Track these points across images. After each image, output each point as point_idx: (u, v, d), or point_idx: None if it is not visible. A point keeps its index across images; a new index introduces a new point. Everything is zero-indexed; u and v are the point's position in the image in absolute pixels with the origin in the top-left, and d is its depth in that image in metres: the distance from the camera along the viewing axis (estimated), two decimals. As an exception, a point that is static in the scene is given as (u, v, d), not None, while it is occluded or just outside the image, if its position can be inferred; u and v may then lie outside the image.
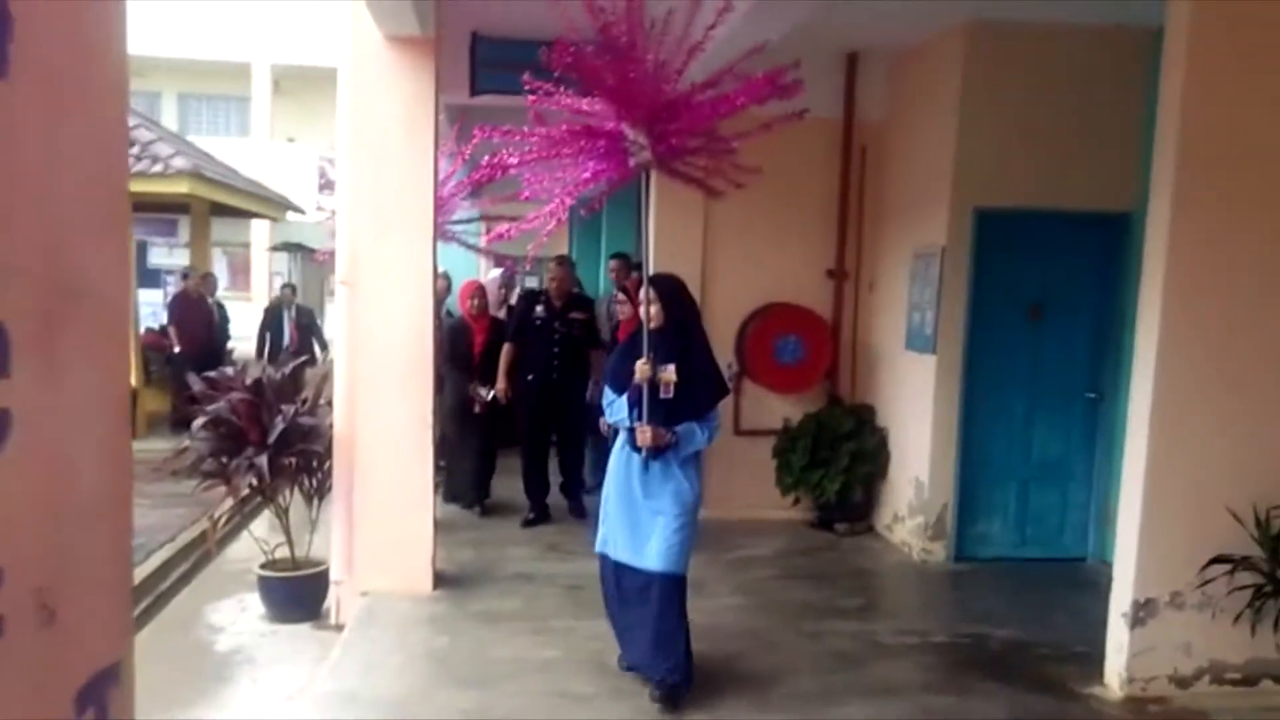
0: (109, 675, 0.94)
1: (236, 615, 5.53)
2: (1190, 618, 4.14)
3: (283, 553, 5.49)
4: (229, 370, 5.84)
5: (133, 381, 8.67)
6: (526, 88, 3.88)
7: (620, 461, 4.08)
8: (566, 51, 3.65)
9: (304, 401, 5.52)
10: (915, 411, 6.30)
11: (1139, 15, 5.20)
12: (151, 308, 13.26)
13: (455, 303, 7.73)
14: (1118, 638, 4.22)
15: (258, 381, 5.42)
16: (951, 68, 5.90)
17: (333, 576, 5.34)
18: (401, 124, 5.07)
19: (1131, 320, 4.46)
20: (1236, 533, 4.06)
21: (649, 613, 3.95)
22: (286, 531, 5.46)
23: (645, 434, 3.89)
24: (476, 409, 6.75)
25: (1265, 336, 4.12)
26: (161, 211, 15.18)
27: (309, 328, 12.22)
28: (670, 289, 4.09)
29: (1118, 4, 5.20)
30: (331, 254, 6.56)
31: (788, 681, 4.24)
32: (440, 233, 6.03)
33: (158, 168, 10.64)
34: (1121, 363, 5.59)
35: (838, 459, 6.67)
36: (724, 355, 5.97)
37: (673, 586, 3.93)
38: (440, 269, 6.79)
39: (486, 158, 4.34)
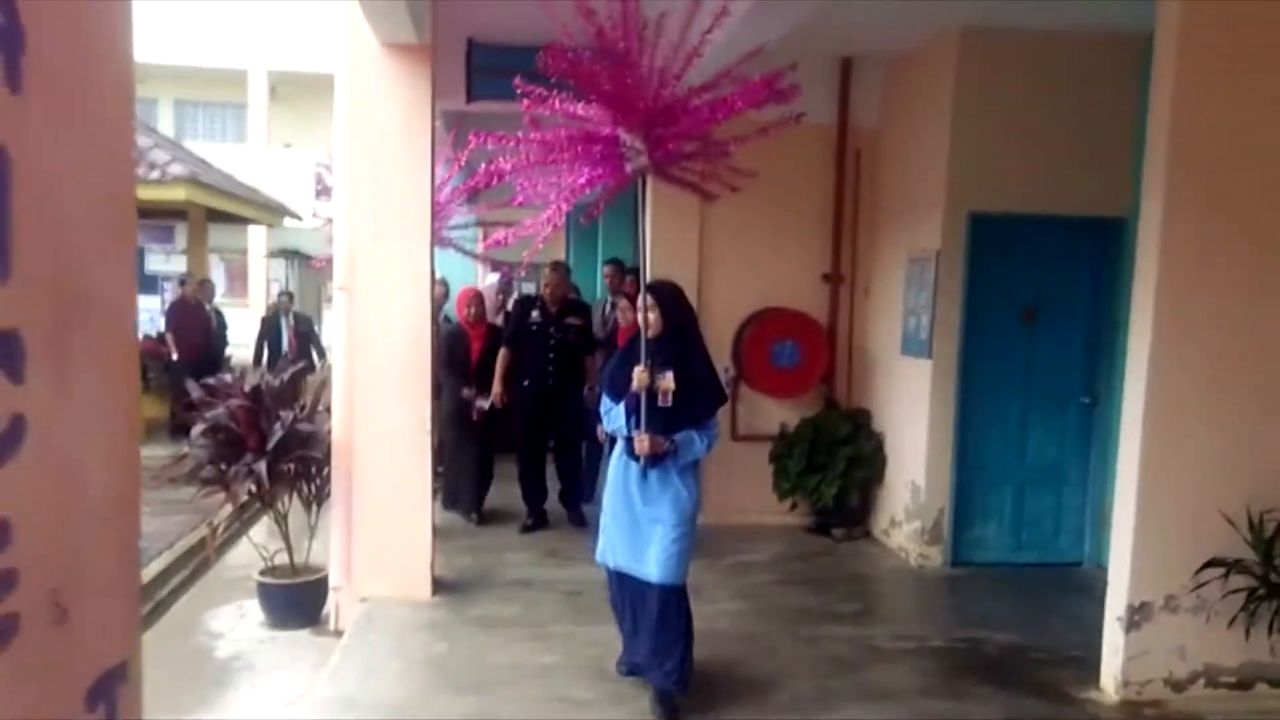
0: (118, 673, 0.96)
1: (236, 621, 5.54)
2: (1185, 621, 4.16)
3: (282, 559, 5.51)
4: (227, 377, 5.86)
5: (130, 388, 8.65)
6: (521, 92, 3.86)
7: (619, 470, 4.07)
8: (562, 56, 3.65)
9: (302, 408, 5.53)
10: (911, 416, 6.33)
11: (1131, 21, 5.23)
12: (149, 314, 13.27)
13: (453, 309, 7.75)
14: (1113, 641, 4.24)
15: (256, 388, 5.44)
16: (945, 73, 5.94)
17: (332, 582, 5.35)
18: (398, 130, 5.09)
19: (1126, 324, 4.48)
20: (1230, 536, 4.08)
21: (647, 620, 3.96)
22: (285, 538, 5.47)
23: (643, 442, 3.86)
24: (474, 416, 6.76)
25: (1257, 340, 4.15)
26: (159, 218, 15.19)
27: (307, 335, 12.23)
28: (669, 296, 4.08)
29: (1110, 10, 5.24)
30: (329, 260, 6.58)
31: (785, 686, 4.26)
32: (437, 239, 6.05)
33: (155, 174, 10.66)
34: (1116, 367, 5.62)
35: (834, 464, 6.69)
36: (720, 360, 5.98)
37: (671, 596, 3.92)
38: (438, 275, 6.81)
39: (483, 164, 4.34)
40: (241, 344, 13.16)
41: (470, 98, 6.33)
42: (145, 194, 10.23)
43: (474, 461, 6.89)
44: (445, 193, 7.12)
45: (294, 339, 11.92)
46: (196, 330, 11.03)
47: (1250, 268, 4.12)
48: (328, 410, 5.45)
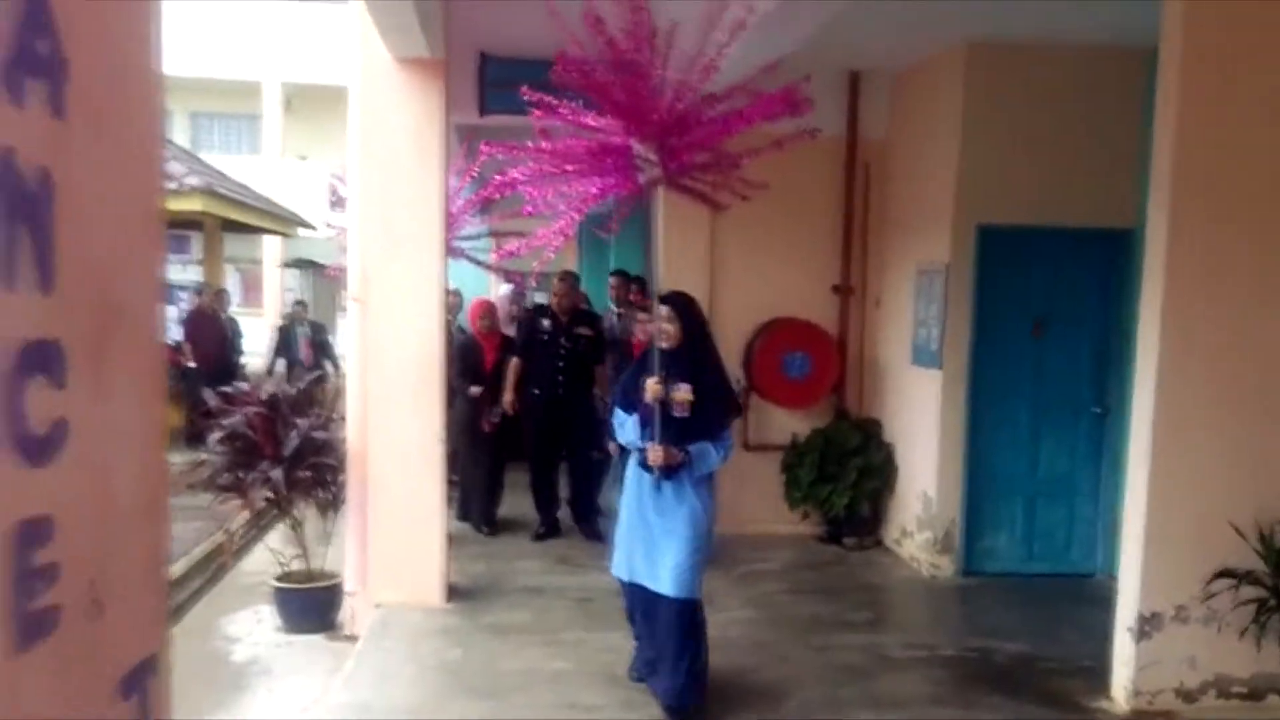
0: (148, 666, 1.01)
1: (252, 626, 5.60)
2: (1195, 632, 4.16)
3: (297, 565, 5.56)
4: (243, 385, 5.93)
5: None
6: (530, 101, 3.85)
7: (633, 482, 4.05)
8: (573, 65, 3.64)
9: (318, 416, 5.59)
10: (922, 426, 6.35)
11: (1138, 34, 5.26)
12: (165, 323, 13.38)
13: (466, 319, 7.81)
14: (1123, 651, 4.24)
15: (273, 396, 5.51)
16: (953, 86, 5.97)
17: (347, 588, 5.41)
18: (411, 143, 5.16)
19: (1136, 334, 4.50)
20: (1240, 547, 4.09)
21: (661, 633, 3.96)
22: (301, 544, 5.53)
23: (656, 453, 3.84)
24: (486, 427, 6.80)
25: (1266, 350, 4.16)
26: (175, 228, 15.34)
27: (322, 344, 12.31)
28: (685, 307, 4.07)
29: (1116, 23, 5.27)
30: (342, 269, 6.66)
31: (796, 694, 4.28)
32: (450, 249, 6.12)
33: (171, 185, 10.79)
34: (1126, 377, 5.62)
35: (845, 474, 6.71)
36: (731, 371, 6.02)
37: (684, 610, 3.91)
38: (451, 285, 6.88)
39: (495, 175, 4.37)
40: (255, 353, 13.27)
41: (483, 111, 6.40)
42: (163, 205, 10.33)
43: (485, 473, 6.92)
44: (457, 204, 7.20)
45: (309, 348, 12.01)
46: (212, 339, 11.15)
47: (1258, 278, 4.14)
48: (342, 418, 5.51)
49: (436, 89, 5.17)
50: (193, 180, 11.10)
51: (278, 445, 5.31)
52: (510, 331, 7.69)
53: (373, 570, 5.25)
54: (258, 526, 7.09)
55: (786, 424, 7.03)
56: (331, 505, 5.54)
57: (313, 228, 16.40)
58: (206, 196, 11.19)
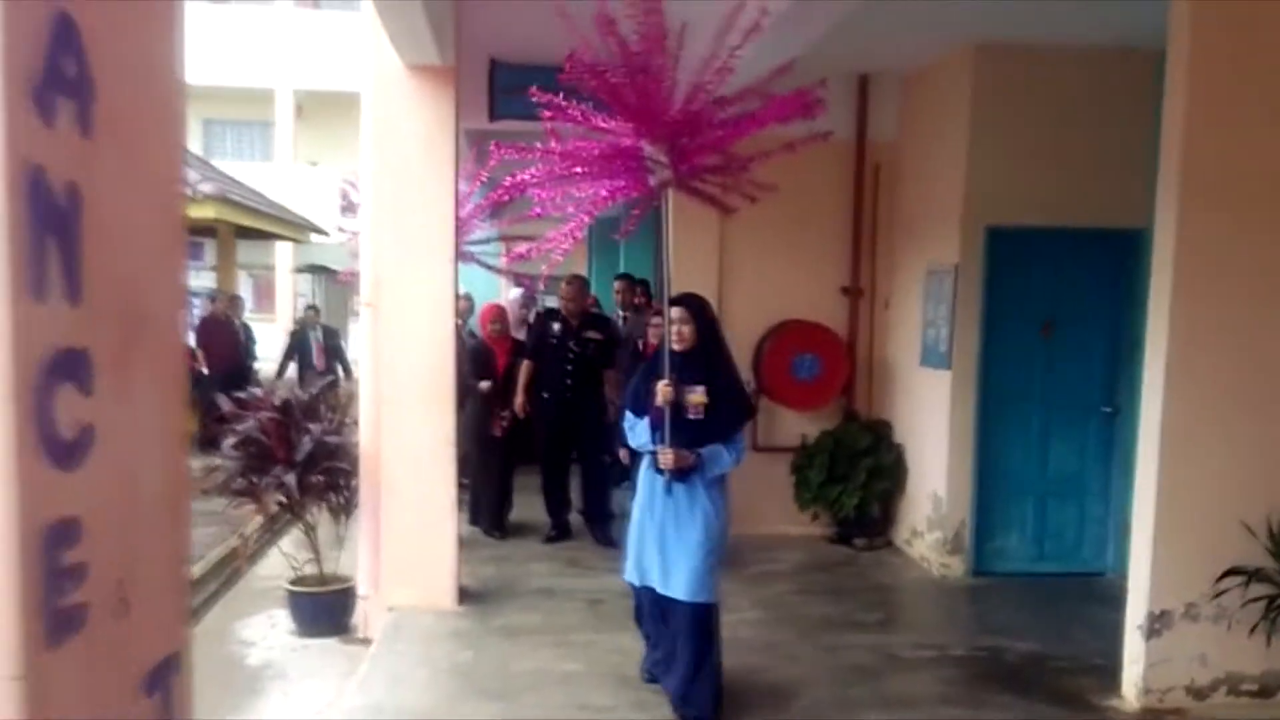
0: (172, 663, 1.04)
1: (266, 630, 5.64)
2: (1205, 629, 4.17)
3: (311, 569, 5.61)
4: (257, 390, 5.98)
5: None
6: (538, 102, 3.80)
7: (645, 486, 4.03)
8: (583, 66, 3.61)
9: (330, 421, 5.64)
10: (931, 427, 6.36)
11: (1146, 36, 5.26)
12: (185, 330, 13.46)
13: (477, 323, 7.85)
14: (1133, 649, 4.25)
15: (286, 401, 5.56)
16: (961, 88, 5.98)
17: (360, 592, 5.45)
18: (422, 150, 5.21)
19: (1146, 334, 4.51)
20: (1250, 544, 4.09)
21: (675, 638, 3.95)
22: (314, 548, 5.57)
23: (667, 456, 3.82)
24: (497, 431, 6.83)
25: (1273, 350, 4.16)
26: (189, 235, 15.43)
27: (335, 348, 12.38)
28: (699, 308, 4.05)
29: (1125, 25, 5.27)
30: (354, 274, 6.71)
31: (806, 693, 4.30)
32: (460, 254, 6.16)
33: (185, 193, 10.87)
34: (1137, 376, 5.58)
35: (855, 475, 6.72)
36: (741, 373, 6.04)
37: (698, 614, 3.89)
38: (462, 290, 6.92)
39: (507, 178, 4.37)
40: (269, 358, 13.35)
41: (493, 117, 6.44)
42: (177, 212, 10.41)
43: (496, 477, 6.94)
44: (467, 208, 7.24)
45: (322, 353, 12.07)
46: (226, 345, 11.23)
47: (1266, 277, 4.14)
48: (355, 423, 5.56)
49: (447, 96, 5.21)
50: (206, 187, 11.18)
51: (291, 450, 5.35)
52: (521, 335, 7.73)
53: (385, 574, 5.29)
54: (271, 531, 7.15)
55: (796, 425, 7.04)
56: (344, 509, 5.58)
57: (325, 233, 16.51)
58: (220, 203, 11.28)
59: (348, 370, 12.02)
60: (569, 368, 6.64)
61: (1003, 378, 6.11)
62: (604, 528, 6.70)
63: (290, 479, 5.25)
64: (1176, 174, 4.08)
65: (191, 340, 11.61)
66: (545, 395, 6.72)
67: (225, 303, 11.86)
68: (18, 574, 0.77)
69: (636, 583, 4.07)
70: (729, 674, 4.20)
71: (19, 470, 0.75)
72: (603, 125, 3.85)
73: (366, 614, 5.39)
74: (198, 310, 12.91)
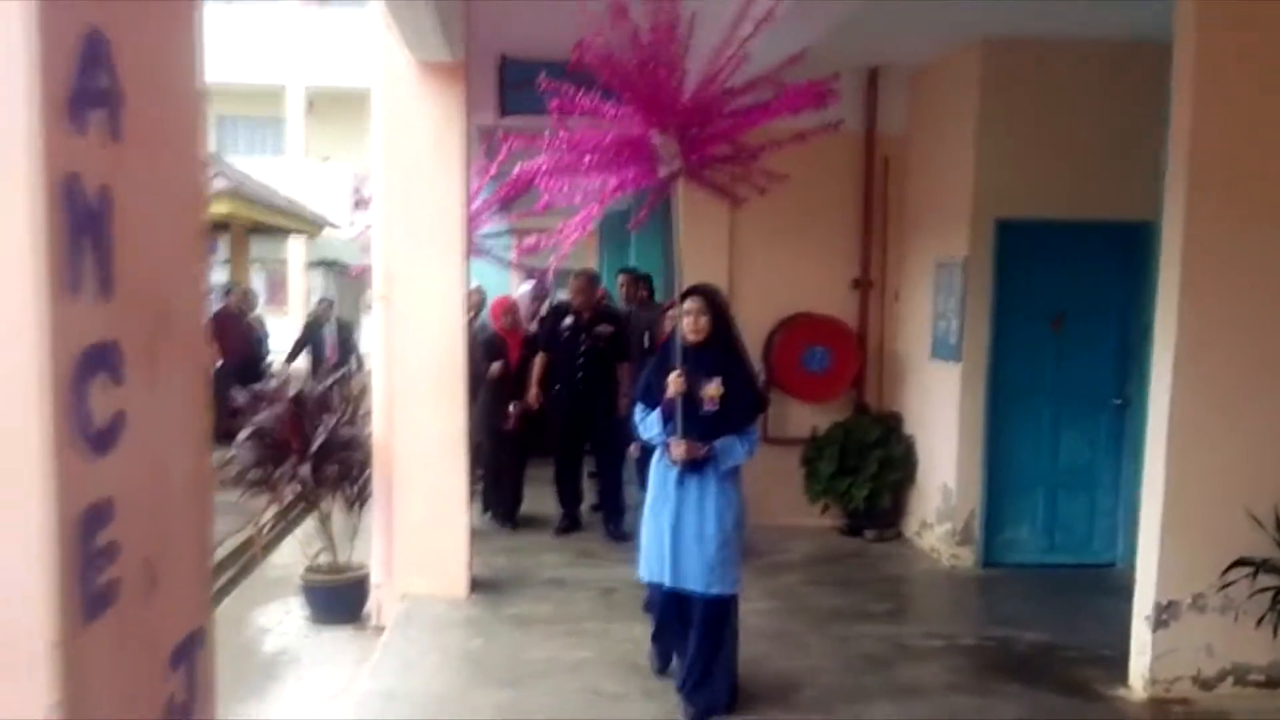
0: (196, 639, 1.10)
1: (281, 618, 5.72)
2: (1212, 620, 4.19)
3: (325, 558, 5.68)
4: (271, 383, 6.06)
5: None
6: (546, 90, 3.76)
7: (658, 480, 4.00)
8: (592, 53, 3.56)
9: (344, 413, 5.70)
10: (941, 419, 6.38)
11: (1155, 30, 5.26)
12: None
13: (488, 317, 7.90)
14: (1140, 640, 4.28)
15: (300, 394, 5.63)
16: (970, 82, 6.00)
17: (373, 581, 5.52)
18: (433, 146, 5.25)
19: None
20: (1257, 536, 4.11)
21: (692, 631, 3.93)
22: (328, 538, 5.65)
23: (679, 447, 3.81)
24: (510, 423, 6.88)
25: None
26: (203, 230, 15.52)
27: (348, 342, 12.47)
28: (715, 299, 4.01)
29: (1134, 19, 5.27)
30: (365, 269, 6.77)
31: (816, 682, 4.35)
32: (471, 247, 6.21)
33: (207, 191, 10.97)
34: (1147, 369, 5.59)
35: (866, 466, 6.76)
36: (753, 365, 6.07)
37: (717, 607, 3.89)
38: (474, 283, 6.97)
39: (516, 168, 4.36)
40: (282, 352, 13.44)
41: (502, 112, 6.48)
42: (191, 208, 10.51)
43: (509, 469, 6.99)
44: (478, 202, 7.29)
45: (334, 346, 12.16)
46: (239, 339, 11.31)
47: (1273, 270, 4.15)
48: (368, 415, 5.63)
49: (457, 92, 5.26)
50: (220, 183, 11.28)
51: (305, 442, 5.42)
52: (533, 329, 7.77)
53: (398, 563, 5.36)
54: (286, 521, 7.23)
55: (806, 417, 7.08)
56: (357, 500, 5.65)
57: (336, 228, 16.60)
58: (233, 199, 11.37)
59: (360, 363, 12.11)
60: (580, 361, 6.67)
61: (1013, 370, 6.13)
62: (616, 521, 6.73)
63: (304, 470, 5.32)
64: (1184, 168, 4.09)
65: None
66: (558, 388, 6.77)
67: (238, 297, 11.95)
68: (56, 552, 0.82)
69: (651, 580, 4.04)
70: (740, 662, 4.24)
71: (58, 455, 0.81)
72: (611, 114, 3.80)
73: (379, 602, 5.46)
74: (212, 304, 13.01)
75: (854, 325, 7.14)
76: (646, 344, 6.71)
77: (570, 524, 6.86)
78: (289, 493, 5.52)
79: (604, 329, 6.73)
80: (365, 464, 5.53)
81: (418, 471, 5.31)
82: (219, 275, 16.80)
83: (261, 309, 14.11)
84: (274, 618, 5.76)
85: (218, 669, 1.21)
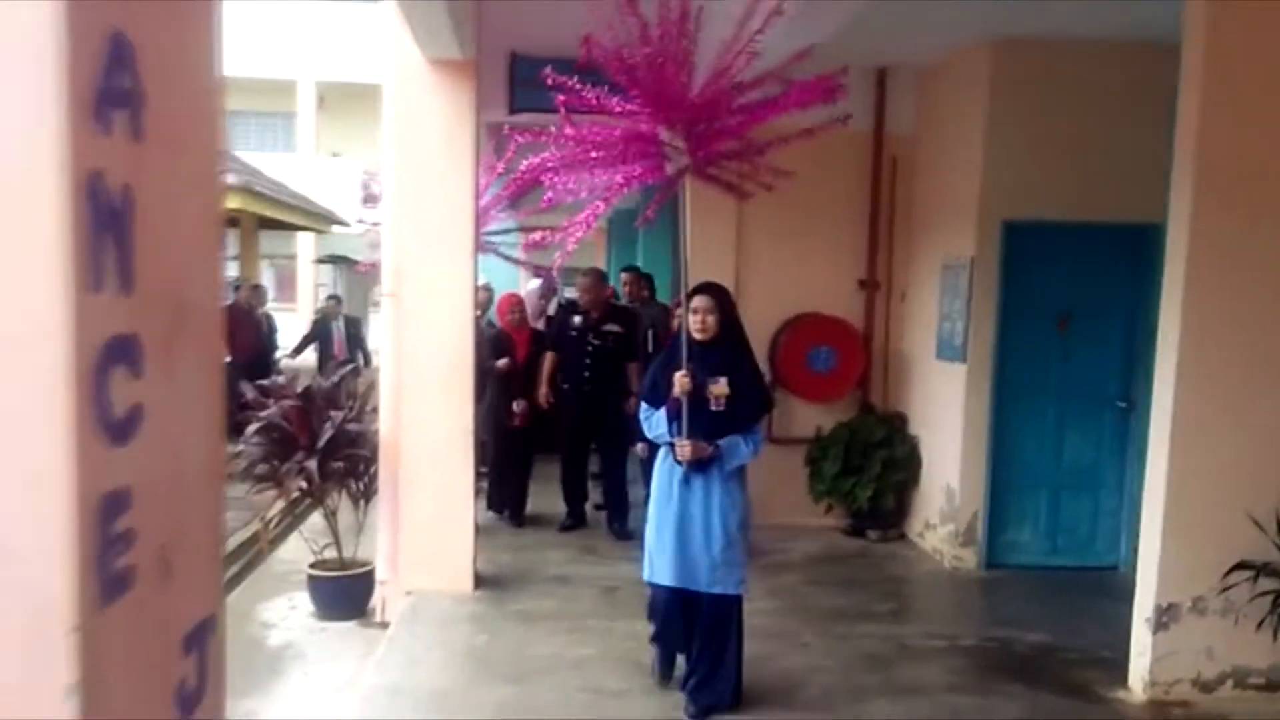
0: (208, 625, 1.13)
1: (287, 613, 5.76)
2: (1213, 623, 4.21)
3: (331, 553, 5.72)
4: (279, 379, 6.10)
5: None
6: (553, 85, 3.72)
7: (663, 479, 3.98)
8: (600, 48, 3.54)
9: (351, 408, 5.74)
10: (946, 420, 6.40)
11: (1164, 31, 5.26)
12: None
13: (496, 313, 7.93)
14: (1141, 642, 4.30)
15: (308, 389, 5.67)
16: (979, 82, 6.01)
17: (378, 576, 5.56)
18: (443, 143, 5.29)
19: (1160, 329, 4.53)
20: (1258, 539, 4.13)
21: (698, 631, 3.94)
22: (334, 533, 5.69)
23: (685, 448, 3.80)
24: (517, 421, 6.91)
25: (1284, 346, 4.19)
26: (214, 226, 15.59)
27: (356, 338, 12.52)
28: (724, 297, 3.99)
29: (1143, 20, 5.28)
30: (374, 265, 6.80)
31: (816, 681, 4.37)
32: (479, 244, 6.23)
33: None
34: (1152, 371, 5.61)
35: (870, 467, 6.77)
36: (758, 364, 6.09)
37: (724, 606, 3.90)
38: (482, 280, 7.00)
39: (523, 164, 4.35)
40: (290, 347, 13.51)
41: (512, 110, 6.51)
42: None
43: (513, 469, 7.01)
44: (486, 198, 7.32)
45: (342, 342, 12.22)
46: (248, 334, 11.36)
47: (1276, 276, 4.16)
48: (375, 411, 5.66)
49: (467, 89, 5.29)
50: (230, 178, 11.33)
51: (312, 437, 5.46)
52: (540, 326, 7.81)
53: (404, 559, 5.40)
54: (292, 516, 7.27)
55: (811, 417, 7.10)
56: (364, 495, 5.69)
57: (345, 224, 16.67)
58: (243, 194, 11.43)
59: (368, 359, 12.16)
60: (588, 360, 6.68)
61: (1018, 371, 6.14)
62: (621, 520, 6.75)
63: (311, 465, 5.35)
64: (1190, 168, 4.11)
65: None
66: (565, 387, 6.80)
67: (248, 292, 12.01)
68: (76, 537, 0.85)
69: (654, 580, 4.00)
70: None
71: (80, 443, 0.84)
72: (618, 109, 3.78)
73: (385, 598, 5.50)
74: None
75: (860, 325, 7.16)
76: (650, 342, 6.73)
77: (575, 521, 6.89)
78: (296, 488, 5.56)
79: (612, 328, 6.73)
80: (372, 460, 5.56)
81: (424, 468, 5.35)
82: (229, 270, 16.87)
83: (270, 304, 14.18)
84: (279, 612, 5.80)
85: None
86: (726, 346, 3.92)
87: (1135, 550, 5.90)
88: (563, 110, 3.85)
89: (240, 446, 5.63)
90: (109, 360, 0.88)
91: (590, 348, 6.67)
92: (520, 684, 4.26)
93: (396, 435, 5.39)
